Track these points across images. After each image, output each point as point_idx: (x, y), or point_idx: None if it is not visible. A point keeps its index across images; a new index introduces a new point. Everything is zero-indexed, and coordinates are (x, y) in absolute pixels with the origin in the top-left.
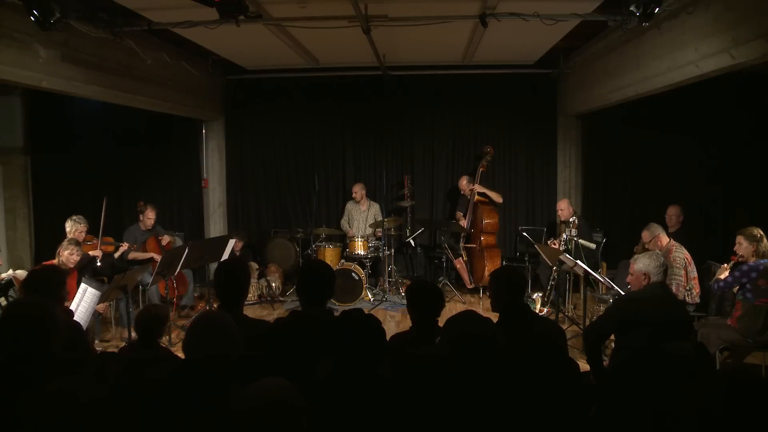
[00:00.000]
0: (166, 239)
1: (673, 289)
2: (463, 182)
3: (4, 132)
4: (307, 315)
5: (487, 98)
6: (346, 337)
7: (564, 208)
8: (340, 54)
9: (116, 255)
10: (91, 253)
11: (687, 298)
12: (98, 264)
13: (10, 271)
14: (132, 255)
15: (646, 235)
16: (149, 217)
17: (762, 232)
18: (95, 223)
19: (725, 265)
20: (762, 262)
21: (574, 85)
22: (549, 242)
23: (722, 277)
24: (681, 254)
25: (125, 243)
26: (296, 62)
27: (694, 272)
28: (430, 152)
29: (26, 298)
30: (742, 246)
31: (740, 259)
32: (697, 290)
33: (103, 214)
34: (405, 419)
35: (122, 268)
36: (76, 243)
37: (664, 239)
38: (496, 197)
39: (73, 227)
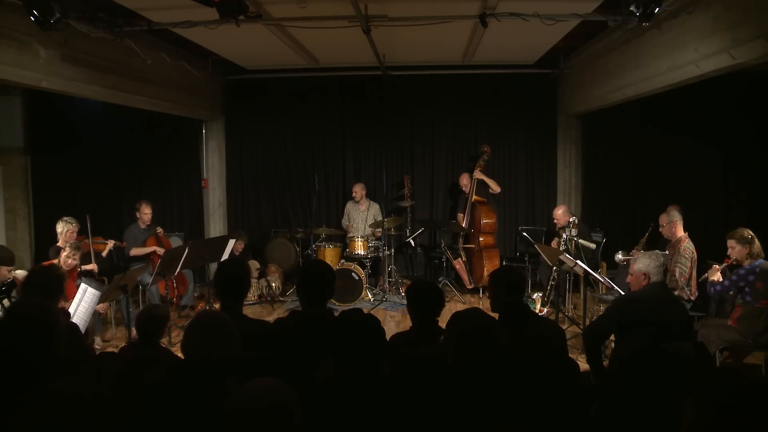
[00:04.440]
0: (160, 230)
1: (676, 275)
2: (464, 179)
3: (4, 132)
4: (307, 315)
5: (487, 98)
6: (346, 337)
7: (559, 217)
8: (340, 54)
9: (104, 254)
10: (85, 267)
11: (683, 294)
12: (95, 276)
13: (12, 273)
14: (134, 251)
15: (663, 218)
16: (145, 212)
17: (752, 233)
18: (96, 223)
19: (716, 266)
20: (757, 263)
21: (574, 85)
22: (554, 241)
23: (715, 278)
24: (691, 247)
25: (110, 240)
26: (296, 62)
27: (695, 270)
28: (430, 152)
29: (28, 299)
30: (735, 249)
31: (734, 263)
32: (695, 289)
33: (89, 225)
34: (406, 418)
35: (122, 267)
36: (77, 248)
37: (680, 229)
38: (494, 185)
39: (65, 228)
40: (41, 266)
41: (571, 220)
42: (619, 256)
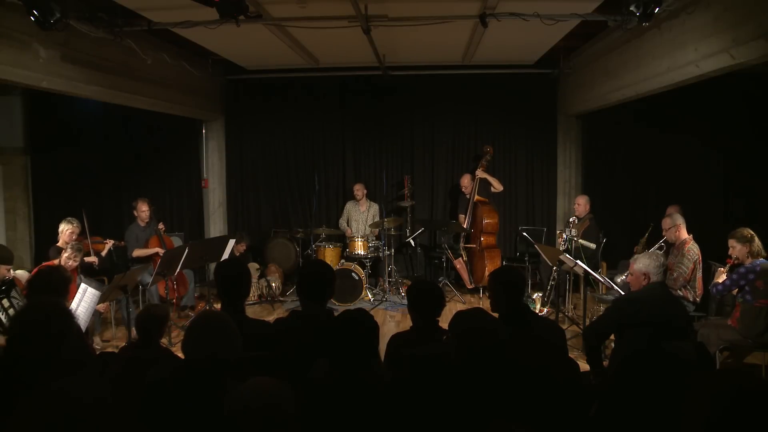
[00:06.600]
0: (161, 226)
1: (674, 275)
2: (465, 180)
3: (4, 132)
4: (307, 315)
5: (487, 98)
6: (335, 336)
7: (581, 204)
8: (340, 54)
9: (103, 253)
10: (87, 259)
11: (688, 294)
12: (95, 268)
13: (11, 272)
14: (136, 253)
15: (666, 222)
16: (142, 209)
17: (752, 232)
18: (96, 223)
19: (722, 268)
20: (758, 262)
21: (574, 85)
22: (558, 232)
23: (720, 280)
24: (696, 249)
25: (109, 240)
26: (296, 62)
27: (699, 272)
28: (430, 152)
29: (43, 300)
30: (736, 249)
31: (735, 262)
32: (700, 291)
33: (85, 222)
34: (407, 418)
35: (123, 267)
36: (79, 249)
37: (684, 231)
38: (498, 184)
39: (65, 228)
40: (48, 266)
41: (571, 219)
42: (618, 282)
